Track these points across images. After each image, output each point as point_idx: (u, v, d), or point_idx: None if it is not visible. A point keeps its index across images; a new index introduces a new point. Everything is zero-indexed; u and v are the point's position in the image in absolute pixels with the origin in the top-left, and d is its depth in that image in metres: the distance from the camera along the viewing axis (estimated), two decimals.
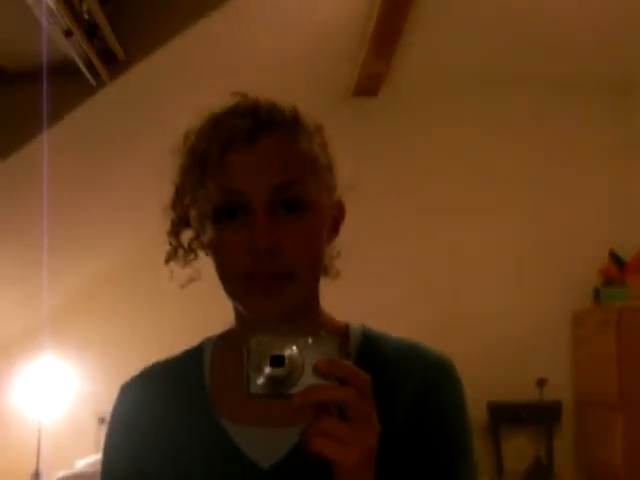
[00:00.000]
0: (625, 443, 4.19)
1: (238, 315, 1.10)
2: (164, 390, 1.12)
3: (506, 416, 4.70)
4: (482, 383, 4.53)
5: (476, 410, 4.54)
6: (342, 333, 1.11)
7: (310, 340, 0.87)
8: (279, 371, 0.86)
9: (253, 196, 0.98)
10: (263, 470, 1.00)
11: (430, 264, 4.87)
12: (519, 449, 4.70)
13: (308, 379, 0.86)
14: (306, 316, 1.06)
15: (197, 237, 1.09)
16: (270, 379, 0.86)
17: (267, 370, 0.86)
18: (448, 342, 5.26)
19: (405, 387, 1.05)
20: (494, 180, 4.96)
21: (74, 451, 4.18)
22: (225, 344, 1.14)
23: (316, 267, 1.04)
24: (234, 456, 1.02)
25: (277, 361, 0.86)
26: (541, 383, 4.66)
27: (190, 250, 1.10)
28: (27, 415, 4.43)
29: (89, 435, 4.36)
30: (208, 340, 1.17)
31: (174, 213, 1.08)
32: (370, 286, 4.58)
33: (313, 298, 1.10)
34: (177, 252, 1.10)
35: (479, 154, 4.96)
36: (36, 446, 4.30)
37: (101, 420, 4.30)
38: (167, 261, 1.10)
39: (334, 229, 1.10)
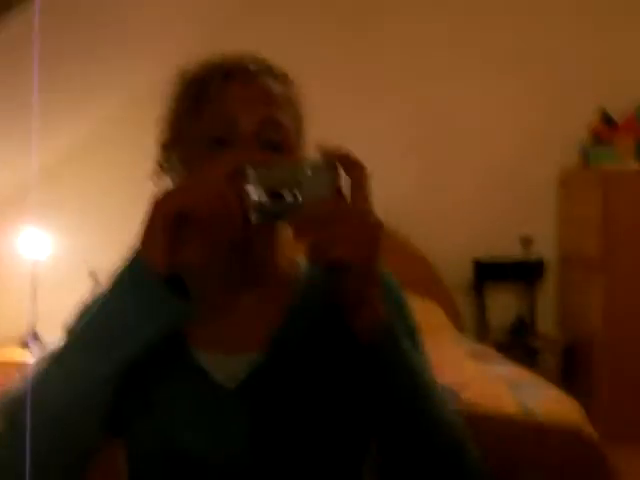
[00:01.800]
0: (606, 303, 4.30)
1: None
2: None
3: (491, 273, 4.77)
4: (468, 240, 4.60)
5: (462, 267, 4.63)
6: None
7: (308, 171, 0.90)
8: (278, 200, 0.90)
9: (245, 125, 1.03)
10: (230, 390, 1.07)
11: (420, 123, 4.81)
12: (503, 306, 4.82)
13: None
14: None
15: (186, 159, 1.11)
16: (269, 210, 0.90)
17: (266, 201, 0.89)
18: (436, 199, 5.29)
19: None
20: (483, 40, 4.84)
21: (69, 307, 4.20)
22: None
23: None
24: (202, 379, 1.08)
25: (276, 195, 0.89)
26: (526, 241, 4.73)
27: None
28: (21, 272, 4.47)
29: (82, 291, 4.40)
30: None
31: (165, 135, 1.14)
32: (365, 144, 4.54)
33: None
34: (162, 168, 1.15)
35: (466, 15, 4.83)
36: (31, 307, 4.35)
37: (92, 274, 4.36)
38: (152, 176, 1.14)
39: None
